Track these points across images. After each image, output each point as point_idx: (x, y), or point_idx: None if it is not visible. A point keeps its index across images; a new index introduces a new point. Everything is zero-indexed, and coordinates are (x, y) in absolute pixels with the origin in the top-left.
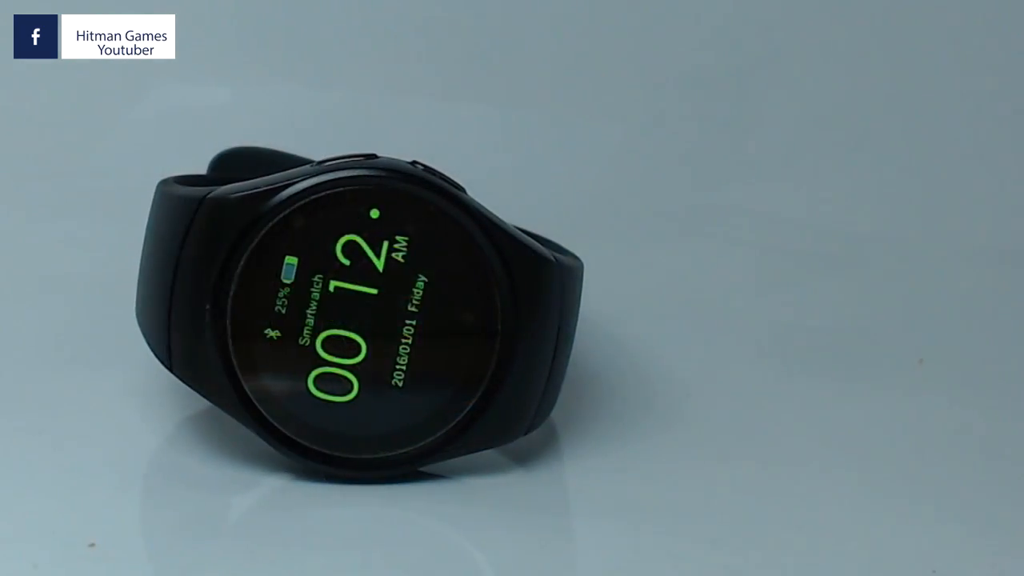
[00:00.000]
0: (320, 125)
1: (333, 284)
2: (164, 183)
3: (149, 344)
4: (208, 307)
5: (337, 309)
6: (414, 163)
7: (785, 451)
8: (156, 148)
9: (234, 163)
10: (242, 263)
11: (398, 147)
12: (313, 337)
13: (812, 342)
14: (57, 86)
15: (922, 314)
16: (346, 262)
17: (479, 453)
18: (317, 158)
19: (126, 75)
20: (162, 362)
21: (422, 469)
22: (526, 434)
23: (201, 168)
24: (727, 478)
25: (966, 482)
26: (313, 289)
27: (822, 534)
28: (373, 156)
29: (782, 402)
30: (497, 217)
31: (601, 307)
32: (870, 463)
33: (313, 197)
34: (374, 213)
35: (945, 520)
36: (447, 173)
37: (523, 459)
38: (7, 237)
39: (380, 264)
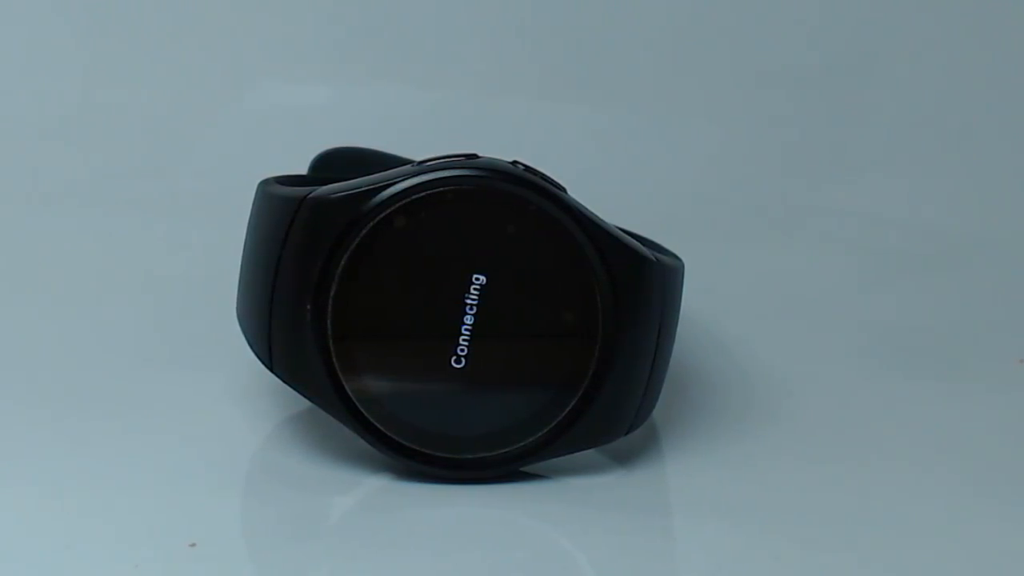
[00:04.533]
0: (421, 125)
1: None
2: (265, 183)
3: (250, 344)
4: (309, 307)
5: None
6: (515, 163)
7: (885, 451)
8: (257, 148)
9: (335, 163)
10: (343, 263)
11: (499, 147)
12: None
13: (913, 342)
14: (158, 86)
15: (1023, 314)
16: None
17: (580, 453)
18: (418, 158)
19: (227, 74)
20: (263, 362)
21: (523, 469)
22: (627, 434)
23: (302, 168)
24: (828, 477)
25: None
26: None
27: (922, 534)
28: (474, 156)
29: (883, 402)
30: (598, 217)
31: (702, 306)
32: (970, 463)
33: (414, 197)
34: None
35: None
36: (548, 173)
37: (624, 459)
38: (108, 238)
39: None
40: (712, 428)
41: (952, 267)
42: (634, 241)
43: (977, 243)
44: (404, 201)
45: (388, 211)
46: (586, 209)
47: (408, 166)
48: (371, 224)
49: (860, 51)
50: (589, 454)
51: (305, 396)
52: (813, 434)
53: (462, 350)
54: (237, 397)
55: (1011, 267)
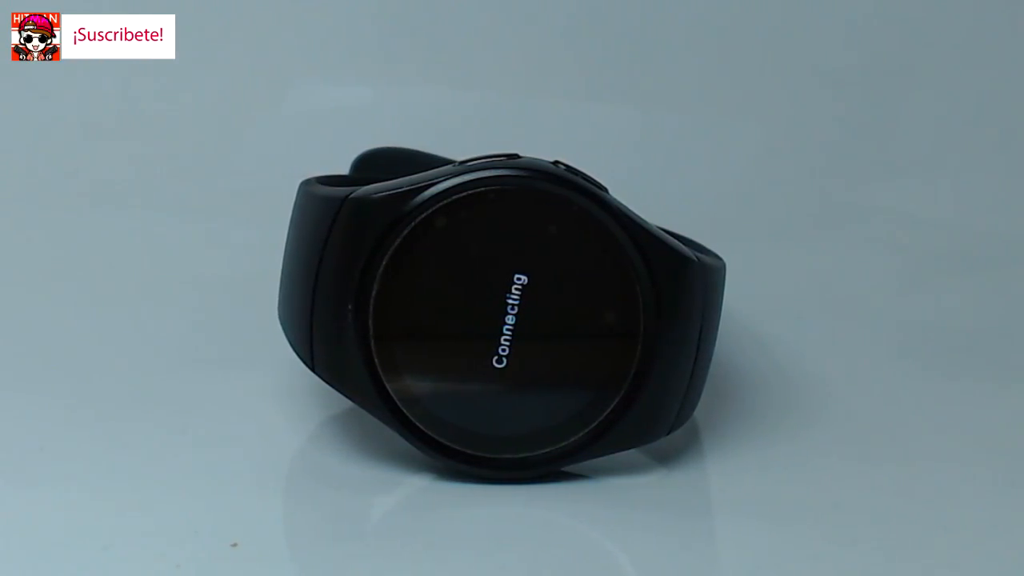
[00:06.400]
0: (462, 125)
1: None
2: (306, 183)
3: (291, 344)
4: (350, 307)
5: None
6: (556, 163)
7: (927, 451)
8: (299, 148)
9: (376, 163)
10: (384, 263)
11: (540, 147)
12: None
13: (954, 342)
14: (201, 87)
15: None
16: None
17: (621, 453)
18: (459, 158)
19: (270, 76)
20: (304, 362)
21: (564, 469)
22: (668, 434)
23: (343, 168)
24: (869, 478)
25: None
26: None
27: (964, 534)
28: (515, 156)
29: (924, 402)
30: (639, 217)
31: (743, 306)
32: (1012, 463)
33: (455, 197)
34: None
35: None
36: (590, 173)
37: (665, 459)
38: (151, 238)
39: None
40: (753, 428)
41: (994, 267)
42: (676, 241)
43: (1019, 243)
44: (445, 201)
45: (430, 211)
46: (627, 209)
47: (449, 166)
48: (413, 224)
49: (902, 51)
50: (630, 454)
51: (346, 396)
52: (854, 435)
53: (503, 350)
54: (278, 397)
55: None
